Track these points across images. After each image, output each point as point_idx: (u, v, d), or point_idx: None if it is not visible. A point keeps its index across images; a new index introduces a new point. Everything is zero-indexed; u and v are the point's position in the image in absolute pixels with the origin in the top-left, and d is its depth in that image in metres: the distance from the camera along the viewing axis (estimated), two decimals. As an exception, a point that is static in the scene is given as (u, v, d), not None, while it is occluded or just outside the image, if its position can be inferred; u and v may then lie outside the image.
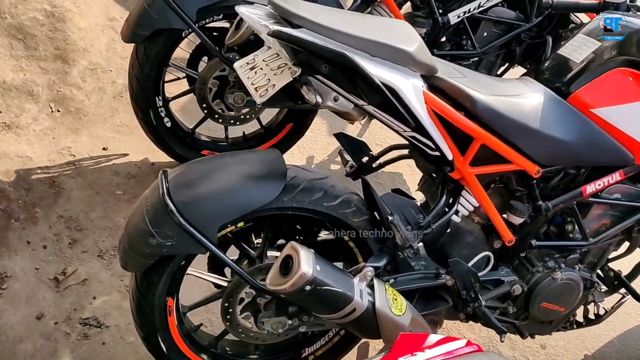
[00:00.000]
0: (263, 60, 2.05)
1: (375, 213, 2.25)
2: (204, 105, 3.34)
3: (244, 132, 3.67)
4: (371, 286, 2.15)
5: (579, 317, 2.89)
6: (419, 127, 2.03)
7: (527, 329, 2.74)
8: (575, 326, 2.90)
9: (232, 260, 2.15)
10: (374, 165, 2.64)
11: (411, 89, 1.95)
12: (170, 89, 3.37)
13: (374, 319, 2.13)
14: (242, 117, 3.43)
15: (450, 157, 2.14)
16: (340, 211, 2.23)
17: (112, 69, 4.07)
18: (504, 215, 2.43)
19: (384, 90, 1.90)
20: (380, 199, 2.20)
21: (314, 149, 4.06)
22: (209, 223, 2.05)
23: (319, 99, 1.89)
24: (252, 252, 2.36)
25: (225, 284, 2.34)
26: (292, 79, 1.93)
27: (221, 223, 2.08)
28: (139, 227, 2.09)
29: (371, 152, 2.65)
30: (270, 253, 2.38)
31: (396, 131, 2.12)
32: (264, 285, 2.07)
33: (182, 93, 3.48)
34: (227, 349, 2.58)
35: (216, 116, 3.38)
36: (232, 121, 3.44)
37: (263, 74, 2.02)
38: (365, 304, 2.10)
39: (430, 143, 2.09)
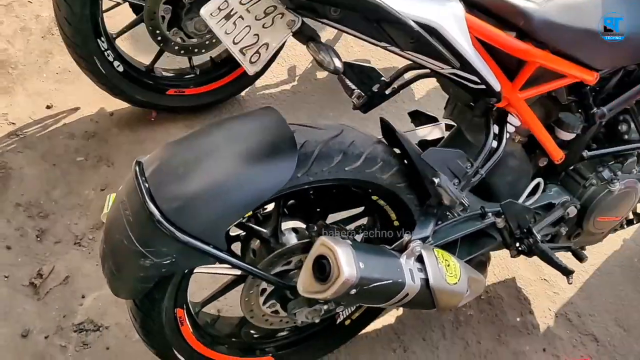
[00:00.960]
0: (241, 4, 1.50)
1: (404, 160, 1.82)
2: (159, 37, 2.74)
3: (211, 57, 3.09)
4: (420, 258, 1.77)
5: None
6: (463, 65, 1.55)
7: (578, 245, 2.45)
8: (626, 226, 2.62)
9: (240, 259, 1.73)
10: (387, 92, 2.15)
11: (453, 22, 1.46)
12: (112, 24, 2.74)
13: (428, 295, 1.79)
14: (207, 43, 2.84)
15: (498, 88, 1.68)
16: (366, 171, 1.78)
17: (31, -1, 3.35)
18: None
19: (420, 32, 1.39)
20: (420, 159, 1.75)
21: (294, 56, 3.51)
22: (213, 230, 1.61)
23: (338, 63, 1.38)
24: (264, 230, 1.93)
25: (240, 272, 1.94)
26: (291, 34, 1.41)
27: (227, 226, 1.64)
28: (124, 247, 1.63)
29: (383, 78, 2.14)
30: (284, 225, 1.96)
31: (430, 69, 1.64)
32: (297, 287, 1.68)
33: (128, 26, 2.85)
34: (253, 332, 2.24)
35: (175, 47, 2.80)
36: (195, 50, 2.86)
37: (246, 26, 1.48)
38: (418, 285, 1.74)
39: (474, 78, 1.62)
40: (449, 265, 1.84)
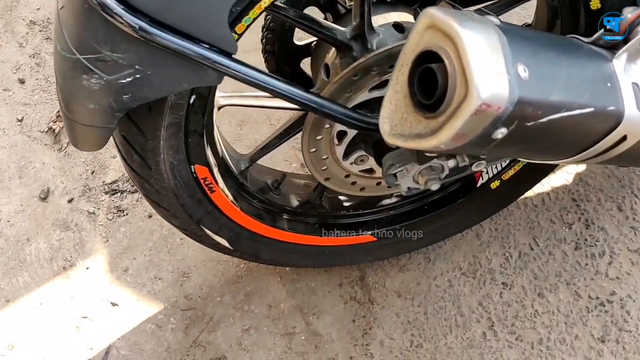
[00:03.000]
0: None
1: None
2: None
3: None
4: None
5: None
6: None
7: None
8: None
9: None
10: None
11: None
12: None
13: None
14: None
15: None
16: None
17: None
18: None
19: None
20: None
21: None
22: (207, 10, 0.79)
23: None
24: (340, 28, 1.08)
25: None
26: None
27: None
28: (61, 60, 0.87)
29: None
30: (378, 19, 1.09)
31: None
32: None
33: None
34: (345, 199, 1.45)
35: None
36: None
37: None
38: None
39: None
40: None
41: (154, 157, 1.06)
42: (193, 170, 1.13)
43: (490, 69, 0.65)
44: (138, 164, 1.08)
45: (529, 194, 1.69)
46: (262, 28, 1.30)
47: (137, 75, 0.84)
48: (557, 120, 0.72)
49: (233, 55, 0.87)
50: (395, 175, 1.08)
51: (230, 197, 1.23)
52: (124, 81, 0.85)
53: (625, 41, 0.79)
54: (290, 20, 1.08)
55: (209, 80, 0.87)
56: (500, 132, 0.70)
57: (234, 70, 0.84)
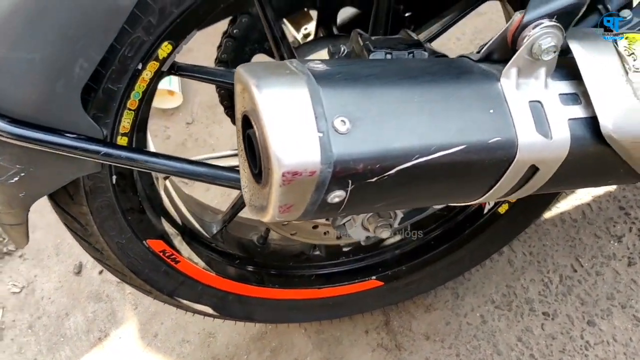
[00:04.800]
0: None
1: None
2: None
3: None
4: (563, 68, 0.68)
5: None
6: None
7: None
8: None
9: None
10: None
11: None
12: None
13: (608, 155, 0.70)
14: None
15: None
16: None
17: None
18: None
19: None
20: None
21: None
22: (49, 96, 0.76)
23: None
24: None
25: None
26: None
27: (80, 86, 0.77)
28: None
29: None
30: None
31: None
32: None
33: None
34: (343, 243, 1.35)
35: None
36: None
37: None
38: (562, 141, 0.65)
39: None
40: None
41: (96, 240, 1.04)
42: (147, 246, 1.10)
43: (292, 131, 0.55)
44: (87, 248, 1.07)
45: (565, 207, 1.50)
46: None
47: (22, 174, 0.83)
48: (415, 168, 0.60)
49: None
50: (344, 225, 0.99)
51: (202, 264, 1.18)
52: (13, 181, 0.84)
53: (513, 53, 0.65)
54: (194, 78, 1.02)
55: (89, 168, 0.83)
56: (337, 196, 0.59)
57: (107, 155, 0.80)
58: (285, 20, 1.21)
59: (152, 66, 0.86)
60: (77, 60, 0.73)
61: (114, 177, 0.97)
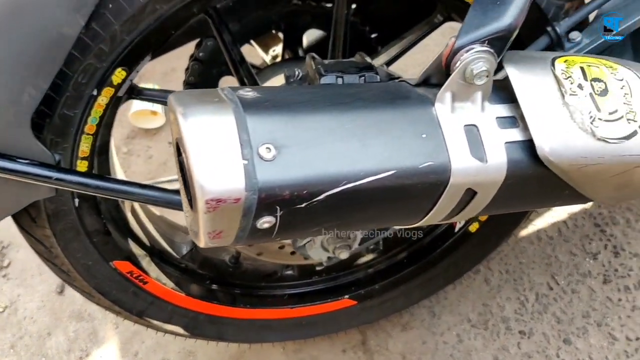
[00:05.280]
0: None
1: None
2: None
3: None
4: (503, 88, 0.69)
5: None
6: None
7: None
8: None
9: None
10: None
11: None
12: None
13: (548, 178, 0.70)
14: None
15: None
16: None
17: None
18: None
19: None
20: None
21: None
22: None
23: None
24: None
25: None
26: None
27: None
28: None
29: None
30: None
31: None
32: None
33: None
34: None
35: None
36: None
37: None
38: (497, 166, 0.66)
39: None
40: (606, 91, 0.72)
41: (62, 262, 1.05)
42: (114, 267, 1.11)
43: (216, 158, 0.56)
44: (54, 269, 1.08)
45: (541, 225, 1.50)
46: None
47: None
48: (345, 193, 0.60)
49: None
50: (305, 246, 1.00)
51: (170, 285, 1.19)
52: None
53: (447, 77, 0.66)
54: (153, 101, 1.03)
55: (43, 193, 0.85)
56: (266, 222, 0.60)
57: (60, 180, 0.81)
58: (253, 42, 1.22)
59: (107, 92, 0.87)
60: (25, 88, 0.74)
61: (77, 200, 0.98)
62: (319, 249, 0.98)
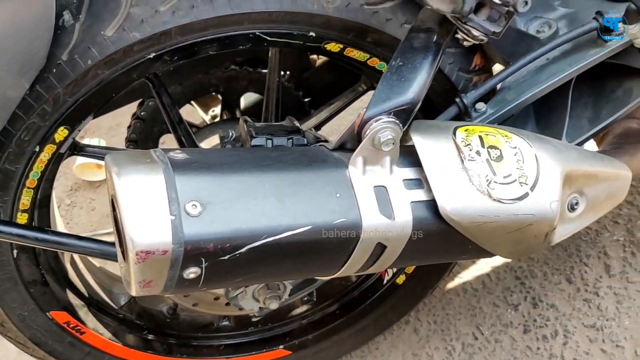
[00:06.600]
0: None
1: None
2: None
3: None
4: (409, 155, 0.78)
5: None
6: None
7: None
8: None
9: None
10: None
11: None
12: None
13: (449, 235, 0.79)
14: None
15: None
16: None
17: None
18: None
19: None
20: None
21: None
22: None
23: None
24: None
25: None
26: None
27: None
28: None
29: None
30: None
31: None
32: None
33: None
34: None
35: None
36: None
37: None
38: (404, 223, 0.74)
39: None
40: (501, 157, 0.82)
41: (-3, 312, 1.07)
42: (51, 318, 1.13)
43: (145, 214, 0.63)
44: (-12, 319, 1.10)
45: (467, 277, 1.59)
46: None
47: None
48: (266, 246, 0.68)
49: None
50: (237, 297, 1.05)
51: (108, 335, 1.22)
52: None
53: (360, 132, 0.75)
54: (95, 158, 1.09)
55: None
56: (192, 272, 0.66)
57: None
58: (193, 103, 1.30)
59: (49, 149, 0.92)
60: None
61: (15, 251, 1.02)
62: (251, 300, 1.03)
